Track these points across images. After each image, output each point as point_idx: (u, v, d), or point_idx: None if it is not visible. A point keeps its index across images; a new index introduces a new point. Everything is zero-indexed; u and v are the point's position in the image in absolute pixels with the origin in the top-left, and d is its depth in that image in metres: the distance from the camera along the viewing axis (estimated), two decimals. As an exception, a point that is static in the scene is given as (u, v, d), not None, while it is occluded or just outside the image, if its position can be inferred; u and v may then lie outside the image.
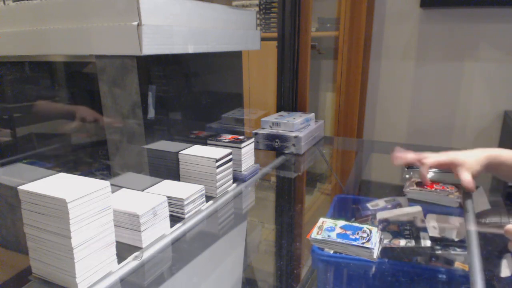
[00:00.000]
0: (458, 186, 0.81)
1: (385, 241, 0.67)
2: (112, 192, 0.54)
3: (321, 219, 0.68)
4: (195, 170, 0.81)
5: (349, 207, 0.86)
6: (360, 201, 0.84)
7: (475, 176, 0.73)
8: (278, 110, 1.42)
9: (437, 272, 0.60)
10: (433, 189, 0.85)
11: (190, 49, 0.77)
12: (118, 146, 0.76)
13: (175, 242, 0.66)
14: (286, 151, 1.17)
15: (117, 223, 0.60)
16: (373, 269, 0.61)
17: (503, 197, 0.90)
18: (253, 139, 0.94)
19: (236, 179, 0.90)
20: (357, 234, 0.63)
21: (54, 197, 0.48)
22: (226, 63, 1.08)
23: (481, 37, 1.81)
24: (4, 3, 0.84)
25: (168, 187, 0.74)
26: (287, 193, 1.03)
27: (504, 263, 0.62)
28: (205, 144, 0.92)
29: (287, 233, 0.80)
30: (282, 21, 1.34)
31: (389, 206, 0.80)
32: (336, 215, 0.83)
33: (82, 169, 0.97)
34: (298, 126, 1.20)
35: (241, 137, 0.93)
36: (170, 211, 0.68)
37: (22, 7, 0.74)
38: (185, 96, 0.89)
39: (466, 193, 0.76)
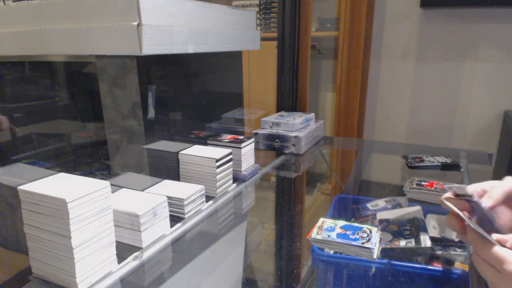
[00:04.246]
0: None
1: (385, 241, 0.67)
2: (112, 192, 0.54)
3: (321, 219, 0.68)
4: (195, 170, 0.81)
5: (349, 207, 0.86)
6: (360, 201, 0.84)
7: None
8: (278, 110, 1.42)
9: (437, 272, 0.60)
10: (433, 189, 0.85)
11: (190, 49, 0.77)
12: (118, 146, 0.76)
13: (175, 242, 0.66)
14: (286, 151, 1.17)
15: (117, 223, 0.60)
16: (373, 269, 0.61)
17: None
18: (253, 139, 0.94)
19: (236, 179, 0.90)
20: (357, 234, 0.63)
21: (54, 197, 0.48)
22: (226, 63, 1.08)
23: (481, 37, 1.81)
24: (4, 3, 0.84)
25: (168, 187, 0.74)
26: (287, 193, 1.03)
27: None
28: (205, 144, 0.92)
29: (287, 233, 0.80)
30: (282, 21, 1.34)
31: (389, 206, 0.80)
32: (336, 215, 0.83)
33: (82, 169, 0.97)
34: (298, 126, 1.20)
35: (241, 137, 0.93)
36: (170, 211, 0.68)
37: (22, 7, 0.74)
38: (185, 96, 0.89)
39: None
